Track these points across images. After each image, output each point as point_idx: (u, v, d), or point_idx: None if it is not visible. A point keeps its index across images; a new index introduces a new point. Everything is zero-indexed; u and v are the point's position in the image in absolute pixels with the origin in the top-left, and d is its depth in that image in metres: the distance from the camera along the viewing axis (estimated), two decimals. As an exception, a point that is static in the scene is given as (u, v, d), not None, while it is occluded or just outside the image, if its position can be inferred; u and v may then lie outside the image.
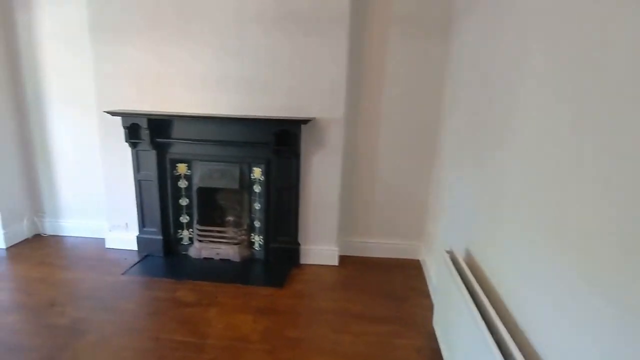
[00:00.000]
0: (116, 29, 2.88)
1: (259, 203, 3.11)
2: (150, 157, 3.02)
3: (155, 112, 2.90)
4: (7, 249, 3.24)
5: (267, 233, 3.13)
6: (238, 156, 3.02)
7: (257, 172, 3.06)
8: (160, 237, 3.17)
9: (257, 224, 3.18)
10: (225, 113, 2.92)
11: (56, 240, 3.47)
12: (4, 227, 3.24)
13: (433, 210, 2.98)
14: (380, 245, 3.28)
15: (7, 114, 3.21)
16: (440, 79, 2.92)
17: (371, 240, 3.29)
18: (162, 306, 2.53)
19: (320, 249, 3.13)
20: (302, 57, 2.80)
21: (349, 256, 3.28)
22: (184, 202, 3.20)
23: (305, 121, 2.80)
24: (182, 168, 3.13)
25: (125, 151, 3.04)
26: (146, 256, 3.19)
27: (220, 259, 3.16)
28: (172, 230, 3.22)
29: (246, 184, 3.09)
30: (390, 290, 2.80)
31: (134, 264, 3.05)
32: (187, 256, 3.22)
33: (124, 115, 2.85)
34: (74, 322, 2.34)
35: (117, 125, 2.94)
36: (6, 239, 3.25)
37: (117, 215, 3.26)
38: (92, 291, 2.68)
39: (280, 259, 3.14)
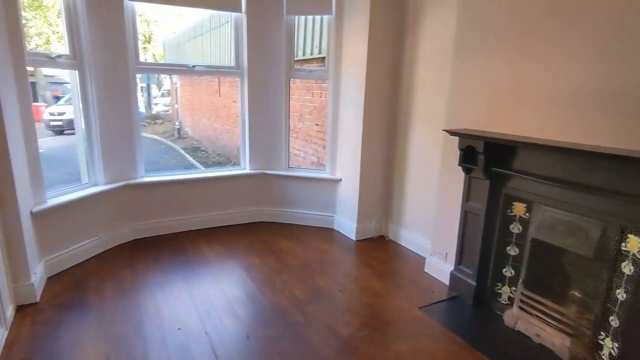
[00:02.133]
0: (477, 43, 2.56)
1: (626, 292, 1.93)
2: (482, 187, 2.54)
3: (495, 135, 2.38)
4: (355, 241, 3.76)
5: (628, 341, 1.91)
6: (603, 210, 1.98)
7: (632, 243, 1.90)
8: (473, 282, 2.65)
9: (614, 321, 2.00)
10: (590, 143, 1.97)
11: (392, 246, 3.69)
12: (358, 222, 3.76)
13: None
14: None
15: (383, 126, 3.65)
16: None
17: None
18: (438, 368, 2.08)
19: None
20: None
21: None
22: (512, 251, 2.51)
23: None
24: (518, 208, 2.44)
25: (461, 175, 2.72)
26: (454, 297, 2.77)
27: (539, 344, 2.25)
28: (489, 280, 2.62)
29: (608, 254, 1.99)
30: None
31: (437, 302, 2.72)
32: (498, 318, 2.52)
33: (460, 135, 2.52)
34: (351, 336, 2.34)
35: (456, 146, 2.66)
36: (357, 232, 3.78)
37: (440, 242, 3.02)
38: (383, 314, 2.60)
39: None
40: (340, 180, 3.94)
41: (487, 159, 2.40)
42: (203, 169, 7.81)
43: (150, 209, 3.72)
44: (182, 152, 10.85)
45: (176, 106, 14.71)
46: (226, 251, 3.49)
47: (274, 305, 2.67)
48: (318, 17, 5.07)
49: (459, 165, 2.60)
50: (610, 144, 1.92)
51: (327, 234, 3.96)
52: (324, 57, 5.00)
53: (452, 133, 2.57)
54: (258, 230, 3.99)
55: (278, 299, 2.74)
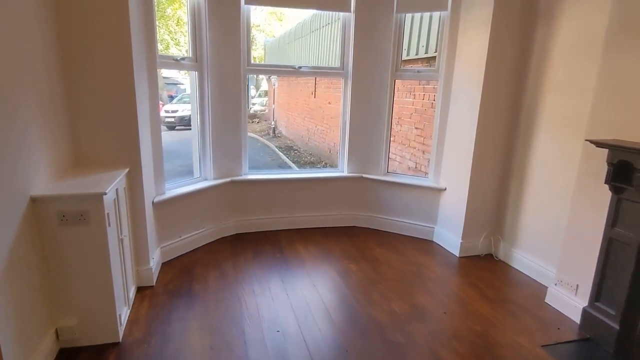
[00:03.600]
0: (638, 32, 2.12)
1: None
2: (636, 211, 2.09)
3: (666, 150, 1.93)
4: (459, 257, 3.44)
5: None
6: None
7: None
8: (616, 325, 2.21)
9: None
10: None
11: (502, 267, 3.30)
12: (463, 237, 3.44)
13: None
14: None
15: (500, 132, 3.28)
16: None
17: None
18: None
19: None
20: None
21: None
22: (674, 293, 2.03)
23: None
24: (688, 242, 1.95)
25: (604, 194, 2.29)
26: (586, 339, 2.34)
27: None
28: (638, 326, 2.15)
29: None
30: None
31: (564, 342, 2.32)
32: (651, 374, 2.06)
33: (612, 147, 2.10)
34: (466, 367, 2.08)
35: (602, 159, 2.25)
36: (461, 248, 3.45)
37: (569, 270, 2.59)
38: (496, 347, 2.29)
39: None
40: (445, 189, 3.65)
41: (649, 178, 1.96)
42: (297, 168, 7.97)
43: (252, 205, 3.84)
44: (277, 150, 11.27)
45: (273, 106, 15.41)
46: (321, 253, 3.44)
47: (371, 318, 2.52)
48: (426, 15, 4.80)
49: (606, 183, 2.18)
50: None
51: (426, 245, 3.70)
52: (430, 57, 4.72)
53: (599, 144, 2.16)
54: (352, 235, 3.89)
55: (375, 312, 2.58)
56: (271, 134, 13.84)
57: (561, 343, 2.30)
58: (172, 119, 12.66)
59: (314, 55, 9.73)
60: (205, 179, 3.59)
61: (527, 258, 3.17)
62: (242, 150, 3.74)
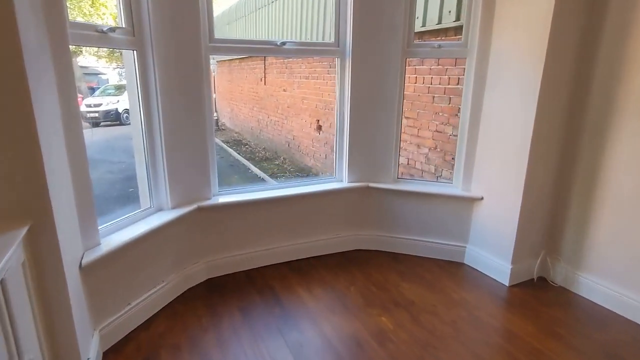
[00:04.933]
0: None
1: None
2: None
3: None
4: (509, 287, 2.69)
5: None
6: None
7: None
8: None
9: None
10: None
11: (571, 298, 2.57)
12: (514, 261, 2.68)
13: None
14: None
15: (560, 124, 2.53)
16: None
17: None
18: None
19: None
20: None
21: None
22: None
23: None
24: None
25: None
26: None
27: None
28: None
29: None
30: None
31: None
32: None
33: None
34: None
35: None
36: (512, 275, 2.70)
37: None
38: None
39: None
40: (482, 199, 2.86)
41: None
42: (276, 182, 6.65)
43: (227, 238, 2.77)
44: (224, 145, 10.03)
45: (214, 95, 13.87)
46: (333, 299, 2.50)
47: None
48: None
49: None
50: None
51: (460, 272, 2.90)
52: (452, 28, 3.81)
53: None
54: (363, 264, 2.98)
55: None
56: (214, 127, 12.40)
57: None
58: (96, 114, 10.77)
59: (287, 28, 7.91)
60: (160, 209, 2.46)
61: (601, 284, 2.48)
62: (210, 162, 2.65)
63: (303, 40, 6.07)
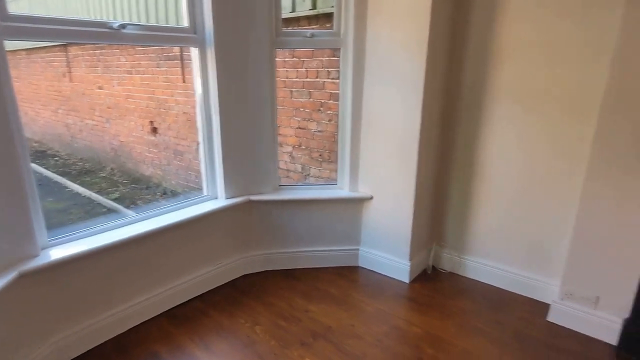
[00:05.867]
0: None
1: None
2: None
3: None
4: (410, 284, 2.66)
5: None
6: None
7: None
8: (667, 337, 1.90)
9: None
10: None
11: (465, 284, 2.66)
12: (411, 258, 2.66)
13: None
14: None
15: (439, 112, 2.56)
16: None
17: None
18: None
19: None
20: None
21: None
22: None
23: None
24: None
25: (630, 187, 1.88)
26: (633, 361, 1.98)
27: None
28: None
29: None
30: None
31: (628, 376, 1.89)
32: None
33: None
34: None
35: (630, 137, 1.80)
36: (411, 271, 2.67)
37: (581, 281, 2.15)
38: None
39: None
40: (371, 198, 2.74)
41: None
42: (134, 214, 5.45)
43: (74, 306, 1.92)
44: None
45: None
46: (237, 350, 2.00)
47: None
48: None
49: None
50: None
51: (359, 277, 2.75)
52: (318, 15, 3.50)
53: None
54: (256, 292, 2.54)
55: None
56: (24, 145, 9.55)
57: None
58: None
59: (111, 5, 5.89)
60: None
61: (489, 265, 2.66)
62: (29, 199, 1.75)
63: (144, 23, 4.96)
